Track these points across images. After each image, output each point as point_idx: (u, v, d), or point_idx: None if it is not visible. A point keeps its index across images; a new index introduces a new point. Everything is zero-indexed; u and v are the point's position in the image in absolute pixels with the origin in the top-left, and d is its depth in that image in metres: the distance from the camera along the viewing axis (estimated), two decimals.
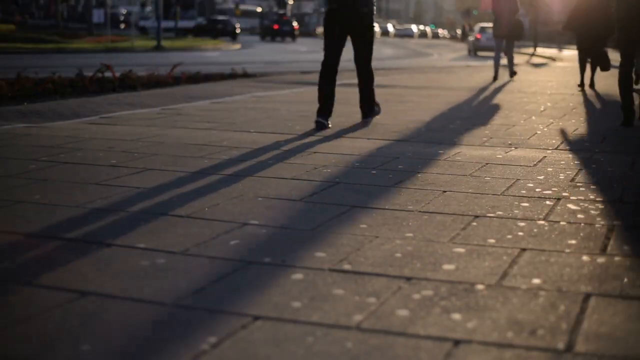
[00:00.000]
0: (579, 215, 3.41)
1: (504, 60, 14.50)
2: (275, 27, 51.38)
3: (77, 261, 2.64)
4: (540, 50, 33.75)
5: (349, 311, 2.19)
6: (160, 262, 2.64)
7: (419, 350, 1.94)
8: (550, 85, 12.83)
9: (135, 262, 2.63)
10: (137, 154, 4.90)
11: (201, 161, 4.66)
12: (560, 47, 36.63)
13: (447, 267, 2.62)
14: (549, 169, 4.59)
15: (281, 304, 2.25)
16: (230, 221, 3.20)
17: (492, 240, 2.96)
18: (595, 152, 5.31)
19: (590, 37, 11.16)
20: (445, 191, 3.88)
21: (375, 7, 6.88)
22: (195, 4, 58.83)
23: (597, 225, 3.24)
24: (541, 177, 4.31)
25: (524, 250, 2.84)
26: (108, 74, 10.56)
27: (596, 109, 8.88)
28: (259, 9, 73.83)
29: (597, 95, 10.76)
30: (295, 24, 53.45)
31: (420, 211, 3.43)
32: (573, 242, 2.97)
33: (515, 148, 5.46)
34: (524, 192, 3.90)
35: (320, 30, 76.55)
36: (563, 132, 6.43)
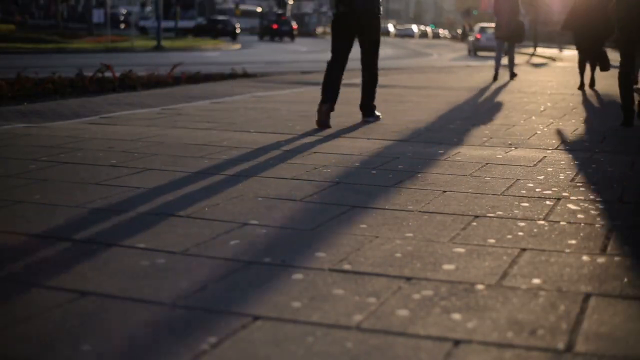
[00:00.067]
0: (579, 215, 3.41)
1: (504, 61, 14.50)
2: (275, 27, 51.43)
3: (77, 261, 2.64)
4: (540, 50, 33.75)
5: (349, 311, 2.19)
6: (160, 262, 2.64)
7: (419, 350, 1.94)
8: (550, 85, 12.83)
9: (135, 262, 2.63)
10: (137, 154, 4.90)
11: (201, 161, 4.66)
12: (560, 47, 36.63)
13: (447, 267, 2.62)
14: (549, 169, 4.59)
15: (281, 304, 2.25)
16: (230, 221, 3.20)
17: (492, 240, 2.96)
18: (595, 152, 5.31)
19: (590, 37, 11.15)
20: (445, 191, 3.88)
21: (382, 8, 6.91)
22: (195, 4, 58.84)
23: (597, 225, 3.24)
24: (541, 177, 4.31)
25: (524, 250, 2.84)
26: (108, 74, 10.56)
27: (596, 109, 8.88)
28: (259, 9, 73.81)
29: (597, 95, 10.76)
30: (294, 24, 53.52)
31: (420, 211, 3.43)
32: (573, 242, 2.97)
33: (515, 148, 5.46)
34: (524, 192, 3.90)
35: (320, 30, 76.65)
36: (563, 132, 6.43)
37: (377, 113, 7.10)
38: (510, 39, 13.84)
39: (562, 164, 4.79)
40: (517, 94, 10.73)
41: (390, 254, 2.76)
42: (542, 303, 2.28)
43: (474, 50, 34.56)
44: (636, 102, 7.23)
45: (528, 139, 5.98)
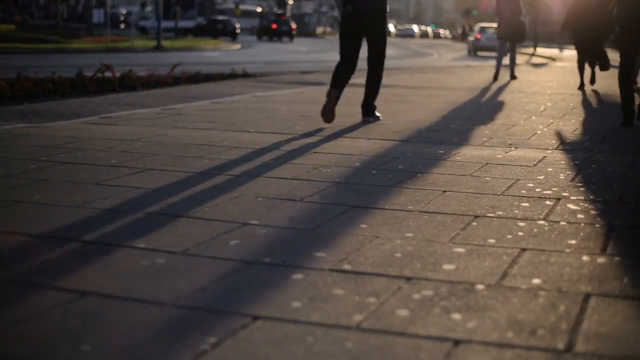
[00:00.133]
0: (579, 215, 3.41)
1: (506, 61, 14.51)
2: (274, 26, 51.48)
3: (77, 261, 2.64)
4: (540, 50, 33.75)
5: (349, 311, 2.19)
6: (160, 262, 2.64)
7: (419, 350, 1.94)
8: (550, 85, 12.83)
9: (135, 262, 2.63)
10: (137, 154, 4.90)
11: (201, 161, 4.66)
12: (560, 47, 36.63)
13: (447, 267, 2.62)
14: (549, 169, 4.59)
15: (281, 304, 2.25)
16: (230, 221, 3.20)
17: (492, 240, 2.96)
18: (595, 152, 5.31)
19: (590, 37, 11.16)
20: (445, 191, 3.88)
21: (388, 7, 6.93)
22: (195, 4, 58.86)
23: (597, 225, 3.24)
24: (541, 177, 4.31)
25: (524, 250, 2.84)
26: (108, 74, 10.56)
27: (596, 109, 8.88)
28: (259, 9, 73.83)
29: (597, 95, 10.77)
30: (293, 24, 53.59)
31: (420, 211, 3.43)
32: (573, 242, 2.97)
33: (515, 148, 5.46)
34: (524, 192, 3.90)
35: (320, 30, 76.65)
36: (563, 132, 6.43)
37: (377, 114, 7.10)
38: (511, 39, 13.86)
39: (562, 164, 4.79)
40: (517, 94, 10.73)
41: (390, 254, 2.76)
42: (542, 303, 2.28)
43: (474, 50, 34.57)
44: (636, 102, 7.23)
45: (528, 139, 5.98)
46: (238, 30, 47.56)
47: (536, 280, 2.49)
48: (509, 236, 3.03)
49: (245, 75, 13.53)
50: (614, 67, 8.83)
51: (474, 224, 3.22)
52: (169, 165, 4.49)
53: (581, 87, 11.68)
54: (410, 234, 3.03)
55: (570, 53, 29.87)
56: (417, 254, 2.77)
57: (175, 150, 5.07)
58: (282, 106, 8.26)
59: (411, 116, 7.46)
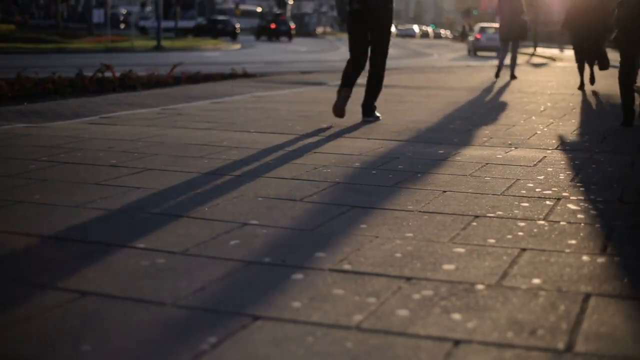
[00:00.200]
0: (579, 215, 3.41)
1: (507, 60, 14.55)
2: (273, 26, 51.52)
3: (77, 261, 2.64)
4: (540, 50, 33.75)
5: (349, 311, 2.19)
6: (160, 262, 2.64)
7: (419, 350, 1.94)
8: (550, 85, 12.83)
9: (135, 262, 2.63)
10: (137, 154, 4.90)
11: (201, 161, 4.66)
12: (561, 47, 36.62)
13: (447, 267, 2.62)
14: (549, 169, 4.59)
15: (281, 304, 2.25)
16: (230, 221, 3.20)
17: (492, 240, 2.96)
18: (595, 152, 5.31)
19: (589, 36, 11.16)
20: (445, 191, 3.88)
21: (394, 5, 6.96)
22: (195, 4, 58.82)
23: (597, 225, 3.24)
24: (541, 177, 4.31)
25: (524, 250, 2.84)
26: (108, 74, 10.56)
27: (596, 109, 8.88)
28: (259, 9, 73.83)
29: (597, 95, 10.77)
30: (291, 24, 53.63)
31: (420, 211, 3.43)
32: (573, 242, 2.97)
33: (515, 148, 5.46)
34: (524, 192, 3.90)
35: (320, 30, 76.64)
36: (563, 132, 6.43)
37: (377, 114, 7.10)
38: (513, 38, 13.88)
39: (562, 164, 4.79)
40: (517, 94, 10.73)
41: (390, 254, 2.76)
42: (542, 303, 2.28)
43: (474, 50, 34.56)
44: (636, 102, 7.23)
45: (528, 139, 5.98)
46: (238, 30, 47.55)
47: (536, 280, 2.49)
48: (509, 236, 3.03)
49: (245, 75, 13.53)
50: (614, 67, 8.84)
51: (474, 224, 3.22)
52: (169, 165, 4.49)
53: (581, 87, 11.68)
54: (410, 234, 3.03)
55: (571, 53, 29.88)
56: (417, 254, 2.77)
57: (175, 150, 5.07)
58: (282, 106, 8.27)
59: (411, 116, 7.46)
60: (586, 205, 3.62)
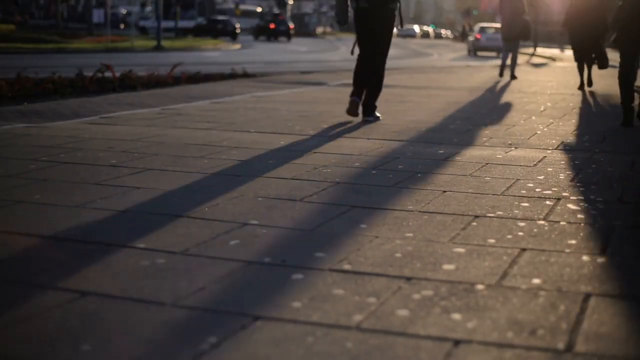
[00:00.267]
0: (579, 215, 3.41)
1: (508, 60, 14.59)
2: (272, 26, 51.54)
3: (77, 261, 2.64)
4: (540, 50, 33.73)
5: (349, 311, 2.19)
6: (160, 262, 2.64)
7: (419, 350, 1.94)
8: (550, 85, 12.83)
9: (135, 262, 2.63)
10: (137, 154, 4.90)
11: (201, 161, 4.66)
12: (561, 47, 36.62)
13: (447, 267, 2.62)
14: (549, 169, 4.59)
15: (281, 304, 2.25)
16: (230, 221, 3.20)
17: (492, 240, 2.96)
18: (595, 152, 5.31)
19: (589, 36, 11.15)
20: (445, 191, 3.88)
21: (399, 5, 6.97)
22: (195, 4, 58.81)
23: (597, 225, 3.24)
24: (541, 177, 4.31)
25: (524, 250, 2.84)
26: (108, 74, 10.56)
27: (596, 109, 8.88)
28: (259, 9, 73.83)
29: (597, 95, 10.76)
30: (290, 24, 53.67)
31: (420, 211, 3.43)
32: (573, 242, 2.97)
33: (515, 148, 5.46)
34: (524, 192, 3.90)
35: (320, 30, 76.64)
36: (563, 132, 6.43)
37: (377, 114, 7.10)
38: (515, 38, 13.91)
39: (562, 164, 4.79)
40: (517, 94, 10.73)
41: (390, 254, 2.76)
42: (542, 303, 2.28)
43: (474, 50, 34.54)
44: (636, 102, 7.23)
45: (528, 139, 5.98)
46: (238, 30, 47.55)
47: (536, 280, 2.49)
48: (509, 236, 3.03)
49: (245, 75, 13.53)
50: (613, 66, 8.83)
51: (474, 224, 3.22)
52: (169, 165, 4.49)
53: (581, 87, 11.67)
54: (410, 234, 3.03)
55: (571, 53, 29.89)
56: (417, 254, 2.77)
57: (175, 150, 5.07)
58: (282, 106, 8.26)
59: (411, 116, 7.46)
60: (586, 205, 3.62)
